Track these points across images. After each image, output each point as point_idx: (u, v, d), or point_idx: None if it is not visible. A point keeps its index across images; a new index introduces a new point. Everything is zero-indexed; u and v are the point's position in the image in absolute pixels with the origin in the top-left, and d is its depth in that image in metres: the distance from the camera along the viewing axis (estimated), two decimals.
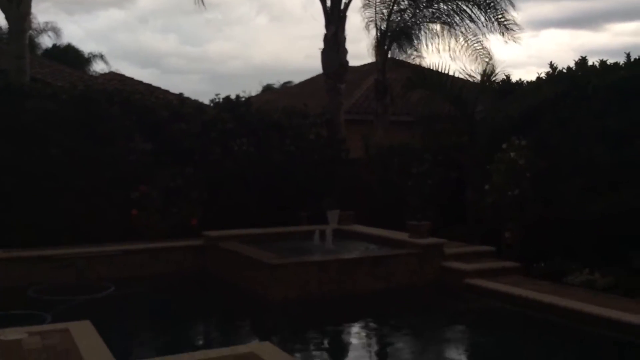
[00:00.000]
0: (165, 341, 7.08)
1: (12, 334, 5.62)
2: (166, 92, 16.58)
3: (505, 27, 15.32)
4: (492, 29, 15.55)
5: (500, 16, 15.28)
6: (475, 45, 15.79)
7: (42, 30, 28.84)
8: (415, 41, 16.48)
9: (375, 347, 7.12)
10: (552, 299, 7.64)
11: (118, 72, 22.29)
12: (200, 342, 7.32)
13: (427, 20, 16.13)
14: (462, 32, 16.05)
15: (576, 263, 8.79)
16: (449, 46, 16.14)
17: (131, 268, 10.05)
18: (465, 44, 16.01)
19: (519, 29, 15.33)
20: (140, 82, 18.98)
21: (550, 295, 7.77)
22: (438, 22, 16.12)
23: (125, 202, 11.08)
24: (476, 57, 15.74)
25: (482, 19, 15.59)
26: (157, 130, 11.85)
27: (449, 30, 16.10)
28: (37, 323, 6.75)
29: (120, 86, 14.15)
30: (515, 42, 15.42)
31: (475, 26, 15.75)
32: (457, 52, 16.25)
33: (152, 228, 11.05)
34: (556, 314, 7.35)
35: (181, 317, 8.17)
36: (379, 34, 16.30)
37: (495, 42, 15.80)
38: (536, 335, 7.20)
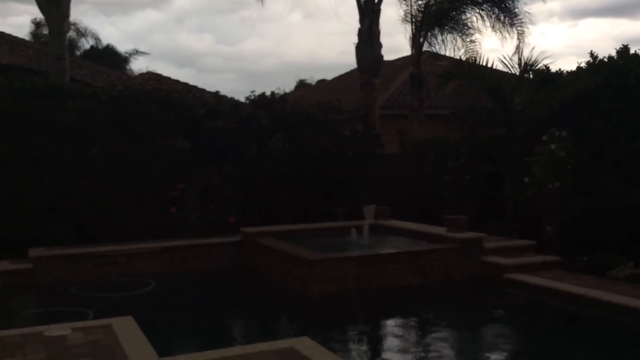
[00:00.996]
0: (205, 336, 7.16)
1: (57, 330, 5.76)
2: (203, 90, 16.74)
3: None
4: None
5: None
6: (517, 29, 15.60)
7: (83, 35, 29.53)
8: (452, 31, 16.29)
9: (413, 343, 7.06)
10: (595, 293, 7.46)
11: (155, 72, 22.58)
12: (239, 338, 7.38)
13: (467, 4, 15.93)
14: (499, 20, 15.87)
15: (620, 256, 8.57)
16: (489, 32, 16.00)
17: (171, 264, 10.22)
18: (504, 31, 15.83)
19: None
20: (177, 82, 19.20)
21: (593, 290, 7.60)
22: (477, 7, 15.91)
23: (164, 199, 11.25)
24: (517, 46, 15.55)
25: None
26: (194, 128, 11.99)
27: (488, 17, 15.90)
28: (79, 319, 6.90)
29: (157, 85, 14.35)
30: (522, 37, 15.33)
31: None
32: (497, 40, 16.15)
33: (190, 225, 11.19)
34: (600, 309, 7.18)
35: (220, 312, 8.25)
36: (414, 27, 16.16)
37: (534, 32, 15.64)
38: (580, 330, 7.04)
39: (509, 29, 15.73)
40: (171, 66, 64.52)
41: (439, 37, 16.45)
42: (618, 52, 10.19)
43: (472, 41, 16.26)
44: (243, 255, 10.78)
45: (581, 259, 8.97)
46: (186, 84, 18.59)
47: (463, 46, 16.31)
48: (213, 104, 12.64)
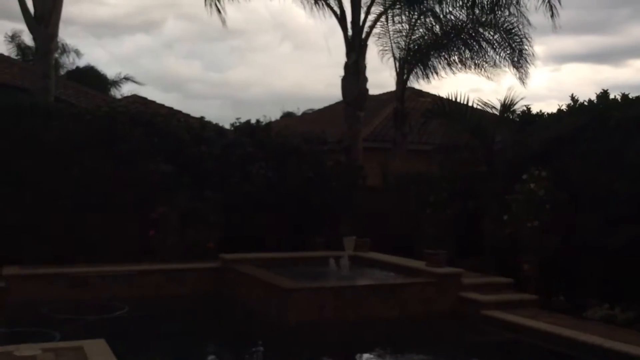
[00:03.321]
0: None
1: (26, 350, 5.62)
2: (187, 115, 16.74)
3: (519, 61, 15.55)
4: (509, 60, 15.79)
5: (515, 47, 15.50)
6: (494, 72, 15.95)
7: (64, 51, 29.52)
8: (433, 70, 16.60)
9: None
10: (570, 333, 7.50)
11: (141, 95, 22.56)
12: None
13: (445, 49, 16.26)
14: (479, 63, 16.22)
15: (596, 297, 8.64)
16: (468, 74, 16.31)
17: (146, 288, 10.06)
18: (485, 73, 16.17)
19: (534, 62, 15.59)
20: (162, 106, 19.19)
21: (569, 330, 7.63)
22: (455, 51, 16.25)
23: (143, 222, 11.15)
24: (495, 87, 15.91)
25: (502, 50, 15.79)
26: (177, 153, 11.98)
27: (468, 60, 16.23)
28: (45, 341, 6.75)
29: (142, 109, 14.34)
30: (525, 79, 15.67)
31: (495, 55, 15.92)
32: (476, 81, 16.50)
33: (169, 249, 11.09)
34: (575, 349, 7.21)
35: (195, 339, 8.14)
36: (397, 63, 16.45)
37: (514, 75, 15.94)
38: None
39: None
40: (158, 90, 64.53)
41: (421, 76, 16.75)
42: (598, 96, 10.45)
43: (454, 79, 16.63)
44: (221, 281, 10.68)
45: (558, 299, 9.02)
46: (171, 108, 18.59)
47: (445, 83, 16.67)
48: (198, 129, 12.66)
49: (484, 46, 15.85)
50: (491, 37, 15.73)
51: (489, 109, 12.73)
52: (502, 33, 15.53)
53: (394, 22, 16.29)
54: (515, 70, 15.90)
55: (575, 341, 7.27)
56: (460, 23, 15.89)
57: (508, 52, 15.70)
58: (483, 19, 15.52)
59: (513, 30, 15.43)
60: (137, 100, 19.79)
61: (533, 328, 7.93)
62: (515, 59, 15.73)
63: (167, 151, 11.91)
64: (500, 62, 15.95)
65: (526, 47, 15.56)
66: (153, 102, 19.92)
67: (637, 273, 8.47)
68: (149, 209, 11.25)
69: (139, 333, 8.25)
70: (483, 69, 16.31)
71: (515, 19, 15.23)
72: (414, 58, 16.29)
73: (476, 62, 16.22)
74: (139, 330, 8.42)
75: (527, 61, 15.79)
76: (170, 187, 11.64)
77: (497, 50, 15.79)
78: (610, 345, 6.92)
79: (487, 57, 16.02)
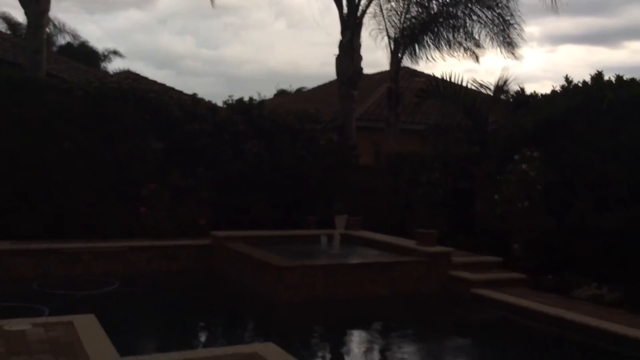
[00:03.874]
0: (169, 338, 7.07)
1: (17, 324, 5.64)
2: (180, 92, 16.63)
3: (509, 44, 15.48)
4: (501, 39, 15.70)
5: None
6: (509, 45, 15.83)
7: (61, 31, 29.09)
8: (427, 49, 16.48)
9: (377, 353, 7.08)
10: (558, 311, 7.57)
11: (133, 71, 22.37)
12: (204, 340, 7.31)
13: (440, 27, 16.13)
14: (470, 44, 16.11)
15: (584, 277, 8.71)
16: (467, 52, 16.18)
17: (137, 265, 10.09)
18: (474, 54, 16.07)
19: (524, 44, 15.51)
20: (154, 82, 19.06)
21: (556, 308, 7.71)
22: (450, 28, 16.11)
23: (134, 199, 11.13)
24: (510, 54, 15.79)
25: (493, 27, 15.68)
26: (169, 130, 11.91)
27: (462, 39, 16.13)
28: (35, 316, 6.76)
29: (134, 85, 14.23)
30: (517, 59, 15.60)
31: (486, 35, 15.81)
32: (471, 62, 16.40)
33: (160, 226, 11.08)
34: (562, 327, 7.28)
35: (185, 315, 8.17)
36: (391, 42, 16.33)
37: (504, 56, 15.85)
38: (540, 347, 7.13)
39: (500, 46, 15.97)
40: (150, 67, 63.89)
41: (416, 55, 16.63)
42: (592, 78, 10.42)
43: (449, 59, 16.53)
44: (212, 258, 10.70)
45: (546, 278, 9.10)
46: (163, 85, 18.48)
47: (440, 63, 16.57)
48: (190, 106, 12.58)
49: (474, 25, 15.74)
50: (483, 16, 15.61)
51: (483, 90, 12.72)
52: (494, 10, 15.43)
53: (388, 0, 16.16)
54: (505, 50, 15.83)
55: (562, 320, 7.35)
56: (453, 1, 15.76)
57: (500, 29, 15.59)
58: None
59: (501, 8, 15.33)
60: (129, 77, 19.62)
61: (521, 306, 8.00)
62: (506, 38, 15.65)
63: (159, 128, 11.85)
64: (491, 41, 15.86)
65: (516, 26, 15.49)
66: (145, 79, 19.76)
67: (626, 254, 8.54)
68: (140, 185, 11.21)
69: (129, 309, 8.27)
70: (472, 51, 16.24)
71: None
72: (408, 37, 16.17)
73: (467, 43, 16.13)
74: (129, 305, 8.44)
75: (517, 41, 15.74)
76: (162, 164, 11.60)
77: (488, 28, 15.67)
78: (597, 324, 7.00)
79: (477, 36, 15.92)
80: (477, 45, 16.04)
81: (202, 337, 7.53)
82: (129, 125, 11.49)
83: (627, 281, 8.25)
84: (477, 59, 16.38)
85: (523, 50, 15.82)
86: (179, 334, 7.19)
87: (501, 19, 15.44)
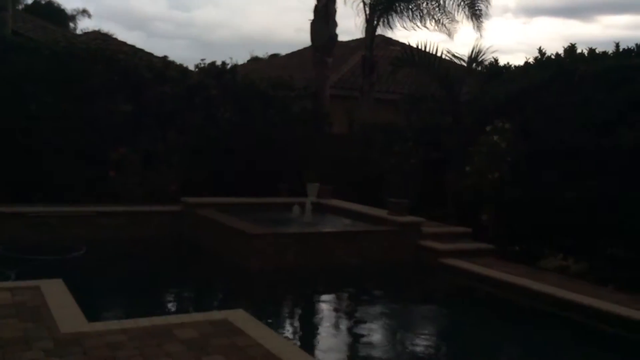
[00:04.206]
0: (138, 304, 7.02)
1: None
2: (150, 54, 16.22)
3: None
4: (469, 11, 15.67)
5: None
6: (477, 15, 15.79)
7: None
8: (402, 19, 16.36)
9: (344, 318, 7.17)
10: (524, 281, 7.73)
11: (102, 31, 21.77)
12: (174, 307, 7.28)
13: None
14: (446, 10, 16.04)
15: (550, 248, 8.89)
16: (439, 24, 16.12)
17: (106, 230, 9.93)
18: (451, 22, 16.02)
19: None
20: (124, 43, 18.56)
21: (522, 278, 7.86)
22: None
23: (104, 163, 10.92)
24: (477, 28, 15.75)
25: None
26: (139, 92, 11.65)
27: (435, 9, 16.04)
28: (0, 280, 6.64)
29: (103, 45, 13.84)
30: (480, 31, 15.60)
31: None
32: (447, 32, 16.32)
33: (130, 191, 10.92)
34: (528, 297, 7.44)
35: (155, 282, 8.12)
36: (367, 9, 16.15)
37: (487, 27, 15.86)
38: (503, 315, 7.30)
39: (469, 17, 15.90)
40: (121, 28, 62.57)
41: (391, 23, 16.49)
42: (565, 50, 10.50)
43: (424, 28, 16.42)
44: (183, 225, 10.62)
45: (513, 249, 9.26)
46: (133, 47, 18.01)
47: (424, 27, 16.42)
48: (160, 69, 12.30)
49: None
50: None
51: (457, 61, 12.68)
52: None
53: None
54: (475, 21, 15.80)
55: (528, 290, 7.50)
56: None
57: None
58: None
59: None
60: (98, 37, 19.06)
61: (488, 276, 8.14)
62: (475, 9, 15.62)
63: (128, 90, 11.58)
64: (460, 12, 15.82)
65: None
66: (115, 39, 19.24)
67: (591, 226, 8.71)
68: (109, 149, 11.00)
69: (97, 274, 8.18)
70: (443, 23, 16.20)
71: None
72: (384, 4, 15.99)
73: (439, 14, 16.06)
74: (97, 271, 8.35)
75: (485, 13, 15.73)
76: (131, 128, 11.37)
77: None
78: (562, 295, 7.16)
79: (450, 9, 15.86)
80: (448, 16, 16.01)
81: (172, 304, 7.50)
82: (98, 87, 11.21)
83: (592, 253, 8.44)
84: (448, 32, 16.37)
85: (496, 21, 15.80)
86: (148, 301, 7.15)
87: None
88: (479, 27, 15.79)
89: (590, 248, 8.56)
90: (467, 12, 15.70)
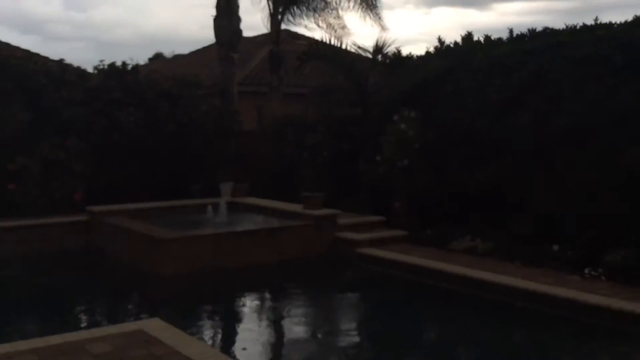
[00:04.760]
0: (48, 322, 6.66)
1: None
2: (46, 58, 15.41)
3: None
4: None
5: None
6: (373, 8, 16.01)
7: None
8: (308, 9, 16.39)
9: (264, 318, 7.13)
10: (436, 264, 7.99)
11: None
12: (86, 323, 6.96)
13: None
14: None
15: (461, 230, 9.20)
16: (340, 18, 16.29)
17: (7, 246, 9.33)
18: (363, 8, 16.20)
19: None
20: (17, 48, 17.54)
21: (434, 262, 8.13)
22: None
23: (1, 175, 10.28)
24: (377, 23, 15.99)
25: None
26: (36, 99, 11.05)
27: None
28: None
29: None
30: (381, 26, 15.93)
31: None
32: (352, 26, 16.52)
33: (32, 203, 10.34)
34: (442, 279, 7.69)
35: (64, 297, 7.75)
36: (270, 4, 16.07)
37: (386, 18, 16.14)
38: (418, 296, 7.54)
39: (367, 13, 16.14)
40: (13, 32, 58.99)
41: (296, 17, 16.51)
42: (463, 38, 10.85)
43: (323, 22, 16.53)
44: (90, 235, 10.17)
45: (425, 233, 9.52)
46: (28, 51, 17.03)
47: (320, 26, 16.50)
48: (57, 73, 11.71)
49: None
50: None
51: (362, 53, 12.87)
52: None
53: None
54: (370, 14, 16.07)
55: (441, 272, 7.76)
56: None
57: None
58: None
59: None
60: None
61: (402, 262, 8.38)
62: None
63: (25, 97, 10.95)
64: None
65: None
66: (7, 44, 18.13)
67: (496, 205, 9.09)
68: (6, 160, 10.37)
69: (0, 292, 7.69)
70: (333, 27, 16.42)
71: None
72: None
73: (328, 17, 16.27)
74: (0, 289, 7.85)
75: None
76: (30, 137, 10.77)
77: None
78: (472, 274, 7.45)
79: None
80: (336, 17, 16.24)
81: (84, 319, 7.17)
82: None
83: (500, 232, 8.81)
84: (336, 34, 16.58)
85: (399, 13, 16.18)
86: (58, 318, 6.81)
87: None
88: (376, 20, 16.05)
89: (498, 228, 8.92)
90: (362, 7, 15.91)
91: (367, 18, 16.12)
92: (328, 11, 16.19)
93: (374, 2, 15.89)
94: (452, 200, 9.67)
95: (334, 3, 16.05)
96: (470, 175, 9.43)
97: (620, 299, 6.30)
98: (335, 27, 16.32)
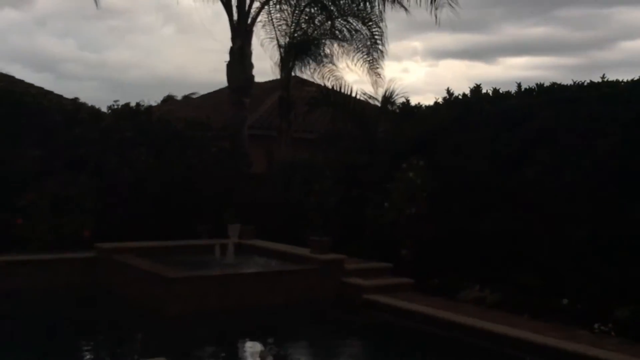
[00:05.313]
0: None
1: None
2: (60, 96, 15.72)
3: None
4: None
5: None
6: (374, 66, 16.31)
7: None
8: (317, 59, 16.72)
9: None
10: (444, 314, 7.93)
11: (9, 74, 20.82)
12: None
13: (326, 37, 16.41)
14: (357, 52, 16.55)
15: (468, 280, 9.17)
16: (350, 66, 16.60)
17: (15, 281, 9.34)
18: (366, 65, 16.51)
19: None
20: (31, 85, 17.87)
21: (442, 311, 8.07)
22: (334, 39, 16.43)
23: (11, 210, 10.35)
24: (375, 79, 16.25)
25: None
26: (49, 136, 11.23)
27: (346, 49, 16.53)
28: None
29: (10, 87, 13.29)
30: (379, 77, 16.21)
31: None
32: (359, 73, 16.81)
33: (39, 239, 10.38)
34: (448, 329, 7.63)
35: (68, 334, 7.69)
36: (282, 51, 16.42)
37: (394, 68, 16.42)
38: (425, 346, 7.46)
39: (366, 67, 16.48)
40: (28, 70, 59.78)
41: (307, 64, 16.82)
42: (471, 90, 11.05)
43: (332, 72, 16.84)
44: (97, 272, 10.17)
45: (433, 282, 9.48)
46: (41, 89, 17.37)
47: (328, 76, 16.78)
48: (71, 111, 11.93)
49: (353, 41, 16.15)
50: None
51: (371, 101, 13.11)
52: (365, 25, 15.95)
53: (277, 9, 16.24)
54: (368, 67, 16.33)
55: (449, 322, 7.70)
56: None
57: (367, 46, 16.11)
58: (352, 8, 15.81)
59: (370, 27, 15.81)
60: (3, 79, 18.25)
61: (409, 310, 8.31)
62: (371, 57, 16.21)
63: (38, 134, 11.12)
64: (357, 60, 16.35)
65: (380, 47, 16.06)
66: (21, 82, 18.49)
67: (503, 256, 9.08)
68: (16, 195, 10.45)
69: (4, 329, 7.65)
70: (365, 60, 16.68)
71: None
72: (298, 47, 16.32)
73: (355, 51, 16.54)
74: (4, 325, 7.81)
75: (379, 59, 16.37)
76: (41, 173, 10.89)
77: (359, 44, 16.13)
78: (482, 325, 7.40)
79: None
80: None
81: (87, 358, 7.11)
82: (3, 131, 10.69)
83: (506, 282, 8.77)
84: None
85: (407, 64, 16.45)
86: (61, 356, 6.75)
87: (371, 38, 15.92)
88: (375, 74, 16.30)
89: (504, 278, 8.88)
90: (366, 66, 16.23)
91: (373, 76, 16.38)
92: (333, 64, 16.54)
93: (375, 64, 16.20)
94: (458, 249, 9.67)
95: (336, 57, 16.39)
96: (476, 224, 9.46)
97: (630, 355, 6.24)
98: (341, 79, 16.65)
